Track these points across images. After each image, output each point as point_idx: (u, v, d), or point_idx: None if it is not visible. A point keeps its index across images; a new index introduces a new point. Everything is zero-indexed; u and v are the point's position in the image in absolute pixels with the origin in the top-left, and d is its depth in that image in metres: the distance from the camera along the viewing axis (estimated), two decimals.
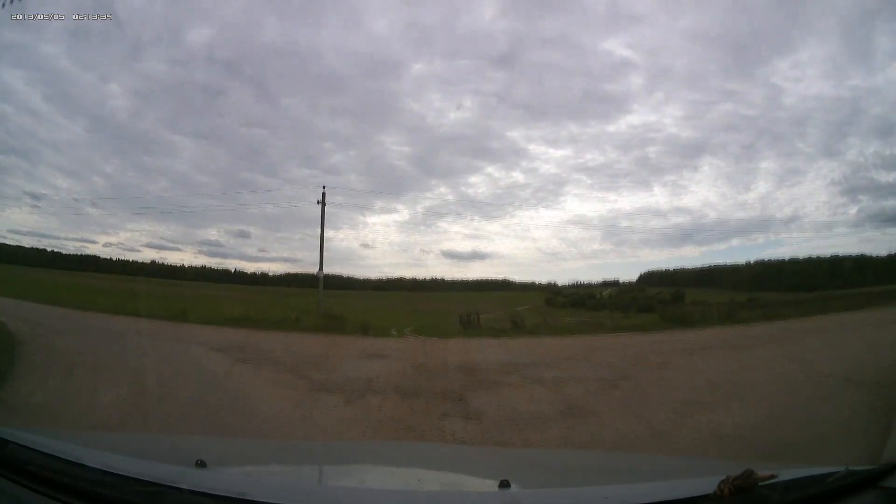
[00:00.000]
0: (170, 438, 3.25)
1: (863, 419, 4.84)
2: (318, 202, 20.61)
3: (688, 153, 75.96)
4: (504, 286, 61.09)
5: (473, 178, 72.33)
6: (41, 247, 49.46)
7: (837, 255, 40.87)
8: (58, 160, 67.84)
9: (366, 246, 76.66)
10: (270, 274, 55.38)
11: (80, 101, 60.44)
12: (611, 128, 69.16)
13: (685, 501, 1.13)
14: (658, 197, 64.93)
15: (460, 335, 15.18)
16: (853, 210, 58.86)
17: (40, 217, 67.44)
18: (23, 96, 56.91)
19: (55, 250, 49.67)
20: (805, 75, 57.14)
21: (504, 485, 1.26)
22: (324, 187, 20.99)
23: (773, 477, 1.13)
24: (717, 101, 72.07)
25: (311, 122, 67.36)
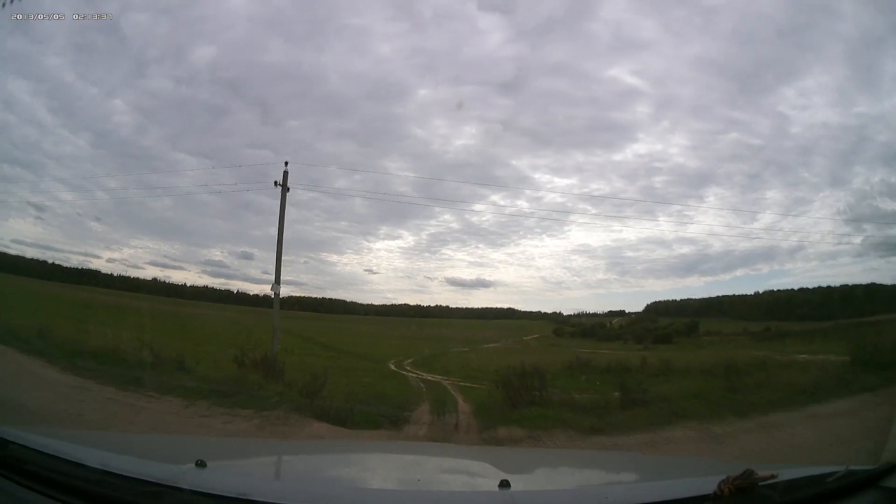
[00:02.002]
0: (170, 438, 3.22)
1: None
2: (275, 183, 13.44)
3: (694, 183, 76.13)
4: (508, 315, 60.45)
5: (478, 206, 73.30)
6: (44, 258, 49.79)
7: (848, 285, 40.19)
8: (62, 173, 68.71)
9: (370, 271, 77.01)
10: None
11: (85, 116, 61.26)
12: (617, 157, 70.34)
13: (685, 501, 1.12)
14: (663, 227, 64.99)
15: (508, 424, 7.16)
16: (858, 240, 58.39)
17: (44, 229, 67.82)
18: (27, 107, 57.29)
19: (57, 263, 49.97)
20: (811, 103, 57.58)
21: (504, 485, 1.26)
22: (286, 163, 13.92)
23: (773, 477, 1.12)
24: (723, 130, 73.08)
25: (315, 145, 68.62)
